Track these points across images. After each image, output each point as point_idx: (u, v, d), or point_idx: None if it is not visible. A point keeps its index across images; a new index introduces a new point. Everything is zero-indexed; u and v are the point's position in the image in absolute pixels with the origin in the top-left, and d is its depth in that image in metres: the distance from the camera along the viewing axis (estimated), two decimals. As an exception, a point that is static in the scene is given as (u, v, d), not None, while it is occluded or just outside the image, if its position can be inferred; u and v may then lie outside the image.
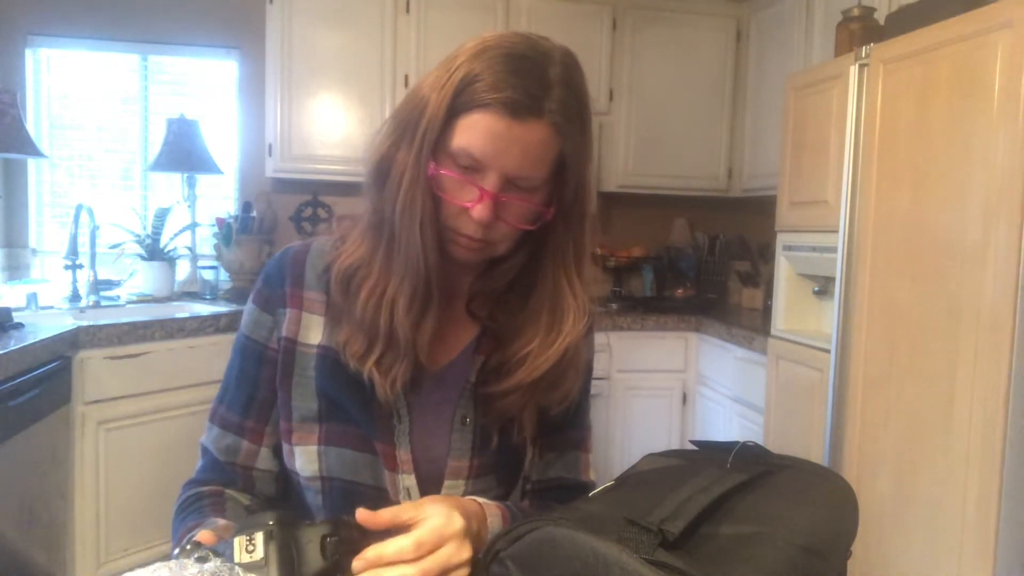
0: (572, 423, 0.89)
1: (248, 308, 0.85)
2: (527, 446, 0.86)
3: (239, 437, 0.84)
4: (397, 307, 0.74)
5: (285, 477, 0.86)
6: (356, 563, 0.62)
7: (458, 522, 0.66)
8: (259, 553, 0.56)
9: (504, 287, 0.82)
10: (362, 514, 0.64)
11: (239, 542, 0.56)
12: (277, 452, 0.85)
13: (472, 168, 0.70)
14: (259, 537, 0.57)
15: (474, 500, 0.74)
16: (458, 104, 0.69)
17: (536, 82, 0.68)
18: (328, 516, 0.62)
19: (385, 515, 0.65)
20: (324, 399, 0.81)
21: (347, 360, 0.77)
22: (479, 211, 0.70)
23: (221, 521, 0.76)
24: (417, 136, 0.71)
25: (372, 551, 0.63)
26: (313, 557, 0.59)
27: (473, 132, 0.68)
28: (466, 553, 0.65)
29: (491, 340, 0.82)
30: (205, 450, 0.86)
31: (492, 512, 0.74)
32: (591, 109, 0.76)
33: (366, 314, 0.75)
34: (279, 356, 0.82)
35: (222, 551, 0.56)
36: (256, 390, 0.84)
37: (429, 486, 0.81)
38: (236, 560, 0.55)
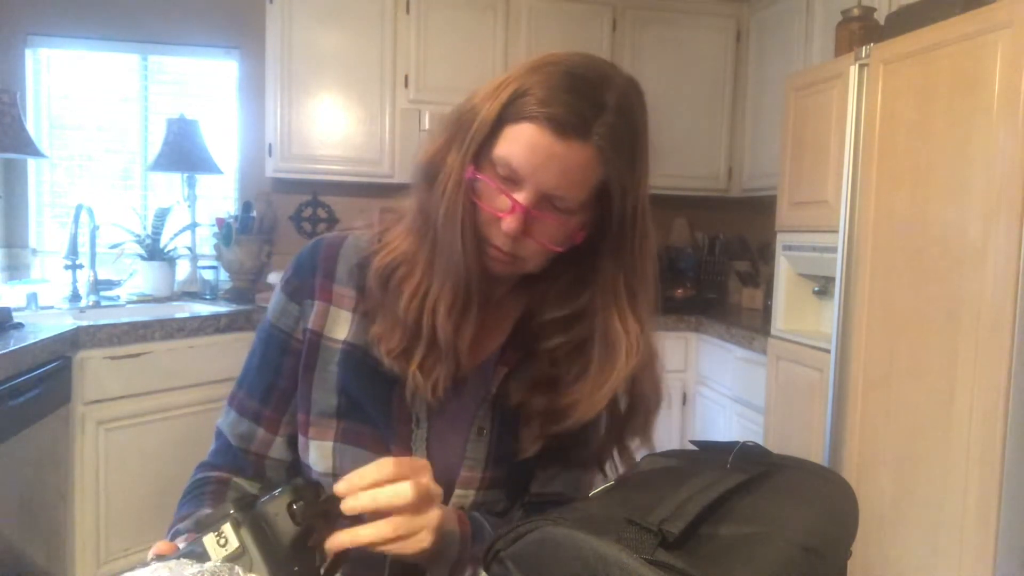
0: (582, 440, 0.86)
1: (276, 295, 0.85)
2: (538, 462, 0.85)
3: (255, 424, 0.84)
4: (439, 309, 0.74)
5: (297, 467, 0.86)
6: (340, 486, 0.64)
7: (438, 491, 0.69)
8: (233, 543, 0.56)
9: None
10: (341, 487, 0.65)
11: (210, 540, 0.56)
12: (292, 443, 0.85)
13: (510, 179, 0.70)
14: (227, 529, 0.56)
15: None
16: (507, 113, 0.68)
17: (588, 103, 0.67)
18: (283, 486, 0.63)
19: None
20: (344, 396, 0.80)
21: (379, 355, 0.77)
22: (508, 223, 0.70)
23: (210, 512, 0.76)
24: (466, 140, 0.71)
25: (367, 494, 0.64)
26: (285, 527, 0.59)
27: (516, 143, 0.68)
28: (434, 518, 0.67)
29: (515, 353, 0.81)
30: (220, 433, 0.86)
31: (448, 516, 0.72)
32: (647, 142, 0.73)
33: (409, 314, 0.75)
34: (303, 348, 0.82)
35: (194, 554, 0.56)
36: (277, 379, 0.83)
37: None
38: (214, 558, 0.55)
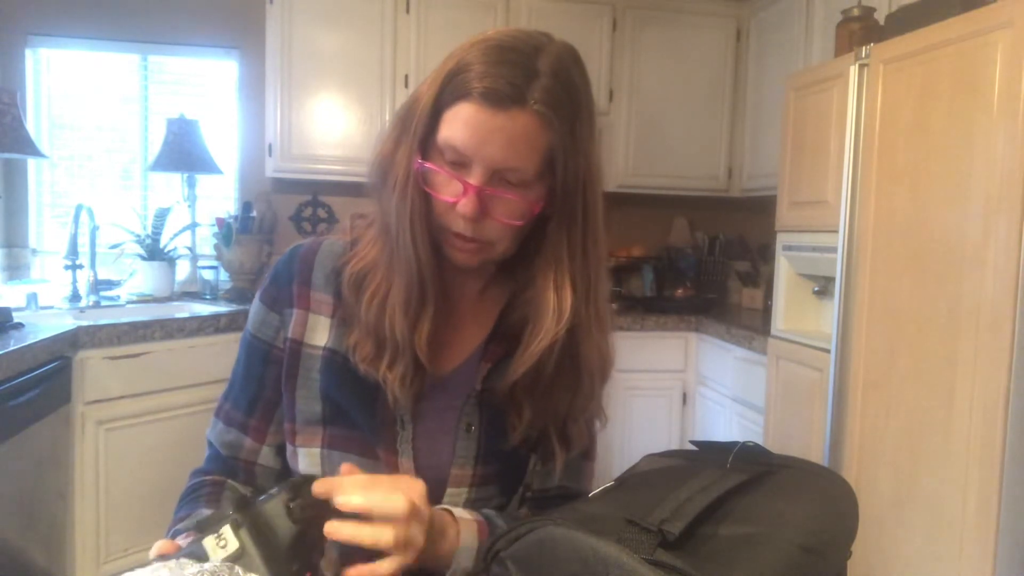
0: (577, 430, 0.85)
1: (255, 306, 0.84)
2: (530, 455, 0.84)
3: (242, 434, 0.84)
4: (396, 308, 0.74)
5: (287, 475, 0.86)
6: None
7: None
8: (233, 545, 0.56)
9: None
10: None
11: (209, 542, 0.56)
12: (280, 451, 0.85)
13: (458, 162, 0.69)
14: (226, 530, 0.57)
15: (449, 512, 0.73)
16: (445, 96, 0.68)
17: (521, 72, 0.66)
18: (280, 484, 0.62)
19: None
20: (328, 402, 0.80)
21: (356, 363, 0.76)
22: (464, 206, 0.69)
23: (208, 512, 0.76)
24: (411, 132, 0.70)
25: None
26: (284, 526, 0.59)
27: (456, 124, 0.67)
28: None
29: (499, 346, 0.81)
30: (209, 444, 0.86)
31: (468, 528, 0.72)
32: (590, 105, 0.72)
33: (370, 317, 0.75)
34: (284, 357, 0.81)
35: (194, 555, 0.56)
36: (261, 389, 0.83)
37: (432, 494, 0.80)
38: (214, 559, 0.55)
